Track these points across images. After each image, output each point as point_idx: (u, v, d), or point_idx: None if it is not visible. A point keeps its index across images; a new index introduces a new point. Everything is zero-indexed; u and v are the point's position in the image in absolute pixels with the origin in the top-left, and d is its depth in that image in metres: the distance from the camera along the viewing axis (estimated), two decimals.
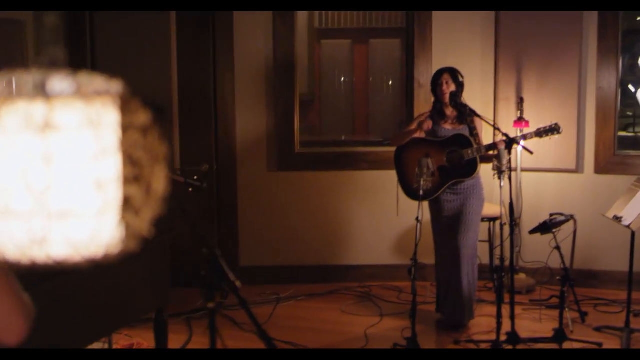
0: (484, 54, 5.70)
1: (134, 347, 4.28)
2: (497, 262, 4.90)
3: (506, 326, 4.15)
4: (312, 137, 7.59)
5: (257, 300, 5.29)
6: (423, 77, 5.66)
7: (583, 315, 4.70)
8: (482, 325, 4.72)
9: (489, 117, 5.16)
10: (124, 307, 3.32)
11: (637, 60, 6.83)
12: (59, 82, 0.78)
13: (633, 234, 4.27)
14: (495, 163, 4.12)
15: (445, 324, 4.75)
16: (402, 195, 4.72)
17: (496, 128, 4.58)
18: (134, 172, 0.82)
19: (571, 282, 4.28)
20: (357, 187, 5.85)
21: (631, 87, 6.92)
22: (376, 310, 5.14)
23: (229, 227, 5.83)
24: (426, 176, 4.16)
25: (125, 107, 0.82)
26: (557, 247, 4.33)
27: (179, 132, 5.66)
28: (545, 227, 4.42)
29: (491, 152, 4.48)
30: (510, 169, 4.20)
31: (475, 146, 4.53)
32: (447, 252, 4.66)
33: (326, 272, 5.82)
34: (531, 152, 4.57)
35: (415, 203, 4.24)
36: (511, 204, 4.23)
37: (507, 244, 4.27)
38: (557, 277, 4.27)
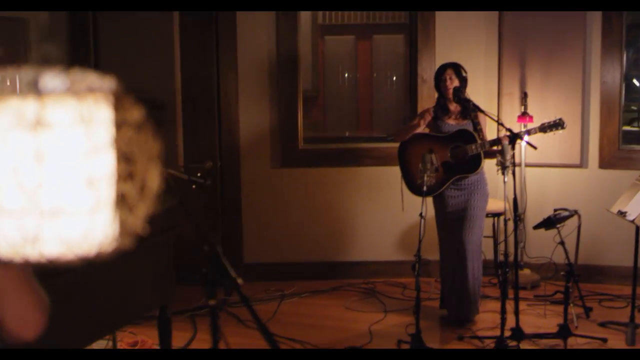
0: (488, 49, 5.68)
1: (138, 344, 4.29)
2: (501, 257, 4.90)
3: (510, 322, 4.13)
4: (315, 133, 7.59)
5: (262, 297, 5.29)
6: (426, 72, 5.65)
7: (588, 310, 4.69)
8: (487, 321, 4.71)
9: (493, 112, 5.14)
10: (128, 304, 3.32)
11: None
12: (51, 79, 0.78)
13: (637, 228, 4.26)
14: (499, 158, 4.10)
15: (450, 319, 4.74)
16: (406, 191, 4.71)
17: (500, 123, 4.56)
18: (128, 169, 0.81)
19: (576, 278, 4.27)
20: (361, 183, 5.84)
21: (635, 82, 6.89)
22: (380, 307, 5.13)
23: (233, 224, 5.83)
24: (430, 172, 4.15)
25: (118, 104, 0.81)
26: (562, 243, 4.31)
27: (183, 129, 5.66)
28: (550, 223, 4.40)
29: (495, 148, 4.47)
30: (514, 164, 4.19)
31: (479, 141, 4.51)
32: (451, 248, 4.65)
33: (330, 269, 5.81)
34: (535, 147, 4.55)
35: (420, 199, 4.23)
36: (515, 200, 4.22)
37: (511, 239, 4.27)
38: (562, 273, 4.25)
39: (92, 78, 0.80)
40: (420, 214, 4.17)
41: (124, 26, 5.47)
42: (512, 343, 4.10)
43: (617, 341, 4.33)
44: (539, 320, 4.77)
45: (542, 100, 5.56)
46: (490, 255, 5.45)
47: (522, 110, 5.50)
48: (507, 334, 4.09)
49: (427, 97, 5.58)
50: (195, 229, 2.17)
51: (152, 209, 0.86)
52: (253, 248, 5.86)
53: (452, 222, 4.64)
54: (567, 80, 5.54)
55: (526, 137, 4.56)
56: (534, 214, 5.41)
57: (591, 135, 5.55)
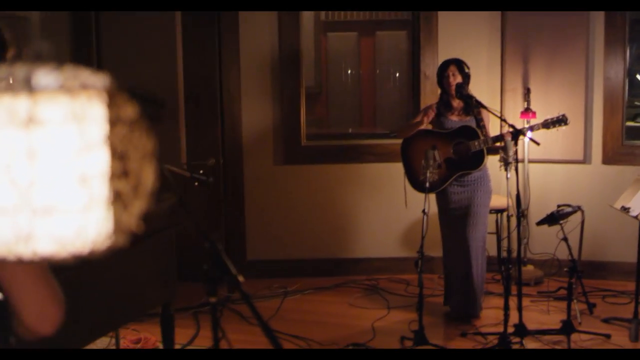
0: (490, 45, 5.67)
1: (141, 341, 4.29)
2: (504, 254, 4.89)
3: (514, 318, 4.13)
4: (318, 130, 7.57)
5: (265, 294, 5.29)
6: (429, 68, 5.64)
7: (591, 306, 4.68)
8: (490, 318, 4.70)
9: (496, 108, 5.13)
10: (131, 301, 3.32)
11: None
12: (44, 76, 0.78)
13: None
14: (502, 154, 4.10)
15: (453, 316, 4.73)
16: (409, 188, 4.70)
17: (503, 119, 4.55)
18: (122, 167, 0.81)
19: (579, 274, 4.26)
20: (364, 179, 5.83)
21: (639, 77, 6.87)
22: (383, 303, 5.13)
23: (236, 221, 5.83)
24: (433, 168, 4.15)
25: (111, 101, 0.81)
26: (565, 239, 4.30)
27: (185, 126, 5.66)
28: (553, 219, 4.39)
29: (498, 144, 4.46)
30: (517, 160, 4.18)
31: (482, 138, 4.50)
32: (455, 244, 4.64)
33: (333, 265, 5.81)
34: (538, 143, 4.54)
35: (423, 195, 4.22)
36: (518, 196, 4.21)
37: (514, 235, 4.25)
38: (565, 269, 4.24)
39: (85, 75, 0.80)
40: (423, 211, 4.17)
41: (126, 26, 5.47)
42: (516, 339, 4.10)
43: (620, 337, 4.32)
44: (542, 316, 4.76)
45: (545, 96, 5.54)
46: (493, 252, 5.44)
47: (525, 106, 5.49)
48: (511, 330, 4.09)
49: (429, 94, 5.57)
50: (195, 226, 2.17)
51: (147, 207, 0.86)
52: (256, 245, 5.86)
53: (456, 219, 4.63)
54: (570, 76, 5.52)
55: (529, 133, 4.56)
56: (537, 210, 5.39)
57: (594, 131, 5.54)
